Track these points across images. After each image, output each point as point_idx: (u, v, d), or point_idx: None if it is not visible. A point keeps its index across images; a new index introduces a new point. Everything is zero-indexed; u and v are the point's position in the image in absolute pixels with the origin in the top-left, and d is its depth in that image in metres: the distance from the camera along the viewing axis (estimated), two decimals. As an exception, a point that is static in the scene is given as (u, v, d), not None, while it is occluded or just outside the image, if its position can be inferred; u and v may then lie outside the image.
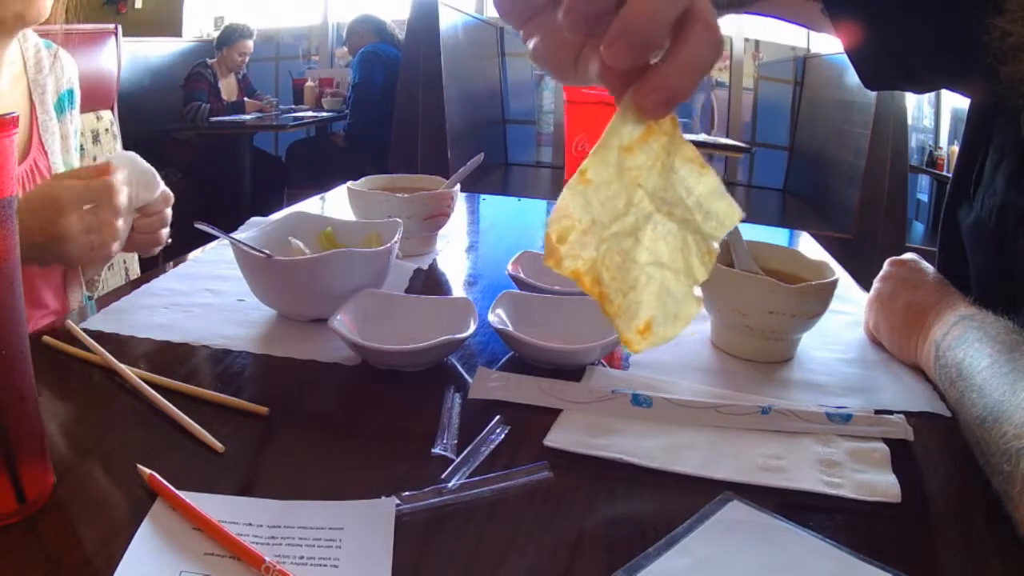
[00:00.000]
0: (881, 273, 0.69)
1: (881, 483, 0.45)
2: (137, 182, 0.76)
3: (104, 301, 0.70)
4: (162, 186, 0.80)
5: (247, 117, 3.74)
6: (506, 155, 4.33)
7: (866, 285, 0.73)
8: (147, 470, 0.41)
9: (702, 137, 3.73)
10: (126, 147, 1.41)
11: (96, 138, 1.34)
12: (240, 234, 0.68)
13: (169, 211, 0.84)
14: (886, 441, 0.50)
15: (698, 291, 0.34)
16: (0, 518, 0.37)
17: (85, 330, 0.60)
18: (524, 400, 0.54)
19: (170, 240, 0.86)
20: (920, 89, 0.67)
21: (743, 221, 0.35)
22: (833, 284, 0.61)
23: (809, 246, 1.09)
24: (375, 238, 0.73)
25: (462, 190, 1.00)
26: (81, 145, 1.05)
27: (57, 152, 0.93)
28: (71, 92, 0.98)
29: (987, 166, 0.62)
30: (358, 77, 3.72)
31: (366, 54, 3.70)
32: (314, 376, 0.58)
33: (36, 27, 0.80)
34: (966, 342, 0.54)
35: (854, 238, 2.66)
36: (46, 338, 0.59)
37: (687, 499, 0.43)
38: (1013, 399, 0.45)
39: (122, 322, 0.64)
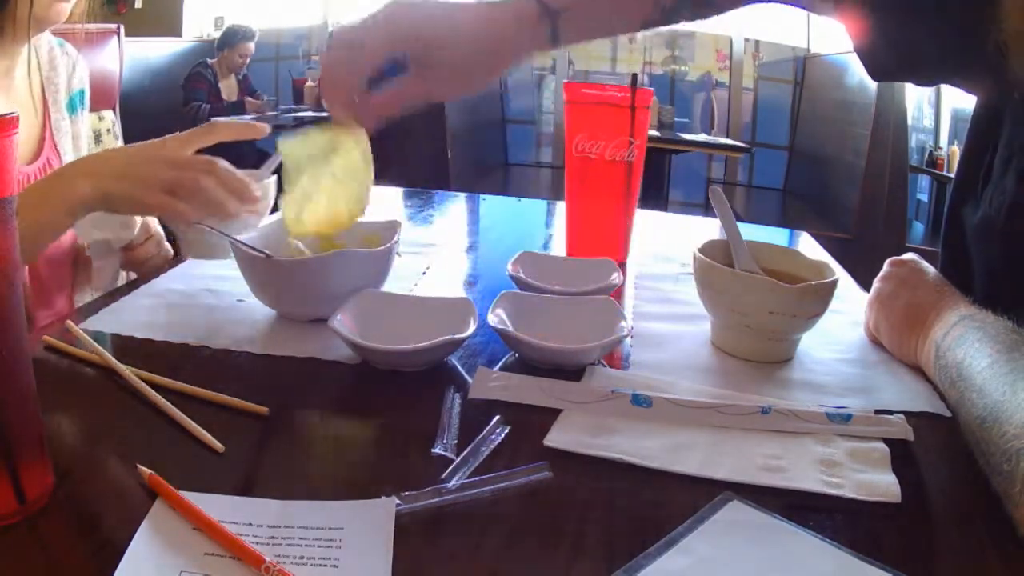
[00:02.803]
0: (881, 273, 0.69)
1: (881, 483, 0.45)
2: (109, 226, 0.76)
3: (104, 301, 0.70)
4: (139, 223, 0.81)
5: (247, 117, 3.75)
6: (506, 155, 4.32)
7: (866, 285, 0.73)
8: (147, 470, 0.41)
9: (702, 137, 3.73)
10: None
11: (98, 138, 1.34)
12: (240, 234, 0.68)
13: (158, 237, 0.85)
14: (886, 441, 0.50)
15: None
16: (0, 518, 0.37)
17: (85, 330, 0.60)
18: (524, 400, 0.54)
19: (171, 252, 0.87)
20: (926, 82, 0.67)
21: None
22: (833, 284, 0.61)
23: (809, 246, 1.09)
24: (375, 238, 0.73)
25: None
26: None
27: (69, 153, 0.92)
28: (82, 92, 0.98)
29: (995, 164, 0.62)
30: None
31: None
32: (314, 376, 0.58)
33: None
34: (966, 342, 0.54)
35: (854, 238, 2.66)
36: (46, 338, 0.59)
37: (687, 499, 0.43)
38: (1013, 399, 0.45)
39: (122, 322, 0.64)
